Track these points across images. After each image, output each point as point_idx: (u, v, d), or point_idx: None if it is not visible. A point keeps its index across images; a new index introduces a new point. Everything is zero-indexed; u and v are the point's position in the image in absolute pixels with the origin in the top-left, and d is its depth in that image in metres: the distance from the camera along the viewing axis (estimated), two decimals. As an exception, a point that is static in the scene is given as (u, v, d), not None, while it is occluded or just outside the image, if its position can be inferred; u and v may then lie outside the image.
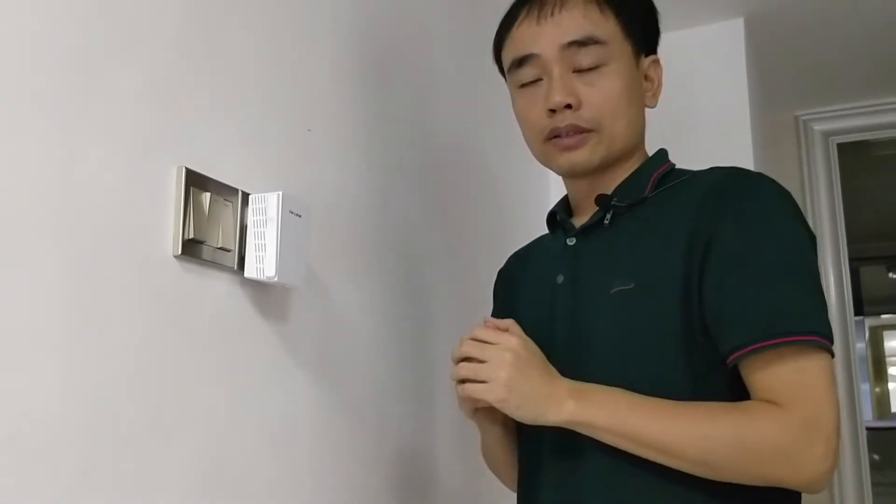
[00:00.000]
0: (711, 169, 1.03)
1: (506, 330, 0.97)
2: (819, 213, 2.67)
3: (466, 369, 0.97)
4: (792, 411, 0.87)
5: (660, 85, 1.09)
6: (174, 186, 0.92)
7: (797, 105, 2.76)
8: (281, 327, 1.08)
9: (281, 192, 0.99)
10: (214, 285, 0.97)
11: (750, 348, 0.89)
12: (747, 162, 2.02)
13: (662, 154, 1.10)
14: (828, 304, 1.07)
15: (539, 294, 1.09)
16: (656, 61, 1.09)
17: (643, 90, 1.07)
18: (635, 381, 0.94)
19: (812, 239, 0.96)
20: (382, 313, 1.33)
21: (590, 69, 1.02)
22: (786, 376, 0.88)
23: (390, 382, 1.34)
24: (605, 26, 1.02)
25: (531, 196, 2.07)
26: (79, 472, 0.78)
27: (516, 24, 1.08)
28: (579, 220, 1.11)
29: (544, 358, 0.97)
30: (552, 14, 1.03)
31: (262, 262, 0.99)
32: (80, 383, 0.79)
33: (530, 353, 0.96)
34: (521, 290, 1.17)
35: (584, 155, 1.04)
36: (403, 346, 1.40)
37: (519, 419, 0.96)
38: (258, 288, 1.03)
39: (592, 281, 1.02)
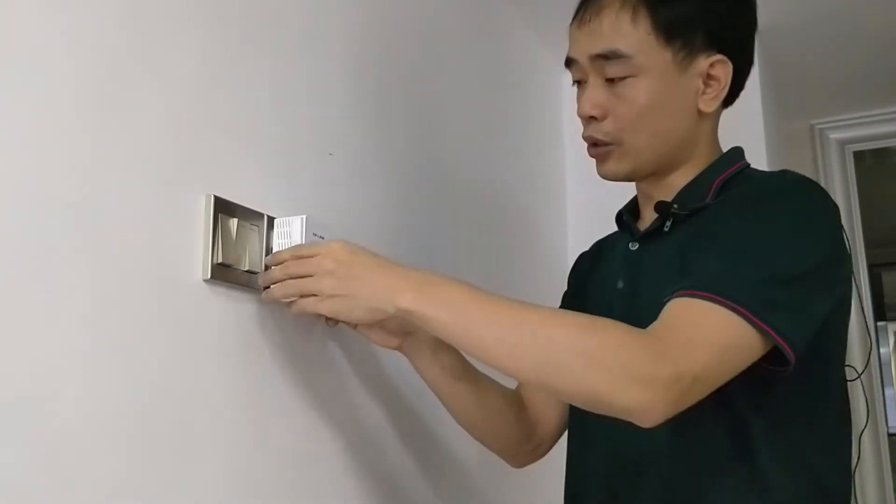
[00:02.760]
0: (766, 172, 1.03)
1: None
2: (837, 220, 2.68)
3: (292, 286, 0.95)
4: (653, 336, 0.85)
5: (726, 85, 1.03)
6: (203, 213, 0.95)
7: (812, 114, 2.76)
8: (305, 348, 1.11)
9: (305, 216, 1.02)
10: (242, 307, 1.00)
11: (673, 295, 0.88)
12: (761, 169, 2.03)
13: (731, 156, 1.08)
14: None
15: (603, 296, 1.10)
16: (722, 61, 1.02)
17: (694, 94, 1.03)
18: None
19: (832, 247, 0.94)
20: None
21: (621, 79, 1.01)
22: (679, 318, 0.86)
23: (413, 402, 1.36)
24: (633, 37, 1.00)
25: (549, 214, 2.08)
26: (109, 492, 0.81)
27: (572, 23, 1.08)
28: (644, 223, 1.11)
29: (375, 254, 0.94)
30: (589, 21, 1.03)
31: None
32: (112, 405, 0.82)
33: (353, 253, 0.93)
34: (589, 287, 1.18)
35: (610, 167, 1.05)
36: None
37: (357, 321, 0.94)
38: (283, 309, 1.06)
39: (648, 289, 1.02)
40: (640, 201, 1.13)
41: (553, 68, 2.08)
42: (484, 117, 1.78)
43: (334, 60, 1.24)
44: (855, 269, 2.68)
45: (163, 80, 0.92)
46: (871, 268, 2.76)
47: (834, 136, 2.78)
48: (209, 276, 0.94)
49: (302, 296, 0.96)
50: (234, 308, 0.99)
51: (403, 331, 1.07)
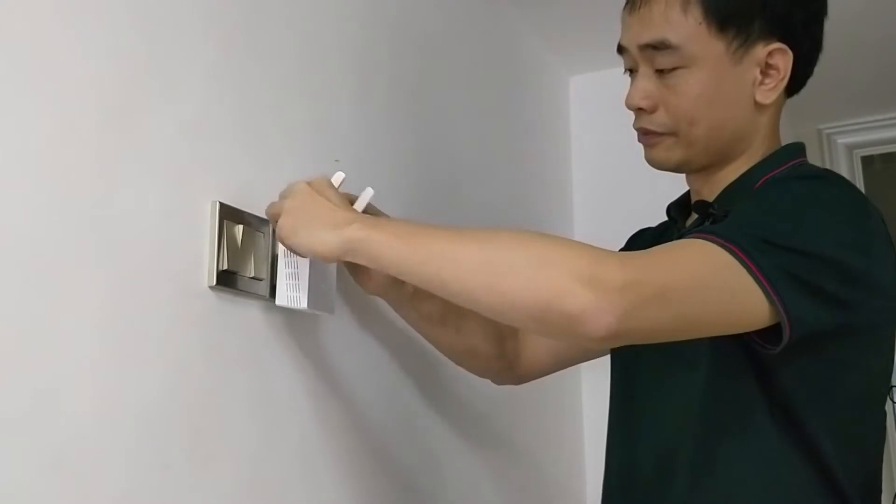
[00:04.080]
0: (810, 170, 1.00)
1: None
2: (845, 225, 2.67)
3: (272, 219, 0.99)
4: (619, 253, 0.83)
5: (786, 75, 0.98)
6: (209, 220, 0.95)
7: (820, 119, 2.75)
8: (311, 354, 1.10)
9: (310, 222, 1.02)
10: (248, 314, 1.00)
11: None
12: (770, 177, 2.03)
13: (783, 152, 1.02)
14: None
15: None
16: (781, 50, 0.97)
17: (751, 85, 0.98)
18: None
19: (867, 236, 0.89)
20: (411, 339, 1.35)
21: (671, 69, 0.97)
22: (662, 247, 0.85)
23: (420, 407, 1.35)
24: (683, 27, 0.95)
25: (555, 219, 2.08)
26: (118, 497, 0.81)
27: (624, 8, 1.03)
28: (690, 221, 1.08)
29: (336, 198, 0.95)
30: (640, 7, 0.99)
31: (294, 290, 1.01)
32: (119, 410, 0.82)
33: (314, 191, 0.94)
34: None
35: (660, 154, 1.01)
36: (432, 371, 1.41)
37: (316, 254, 0.93)
38: (289, 315, 1.06)
39: None
40: (691, 197, 1.09)
41: (560, 73, 2.08)
42: (491, 122, 1.77)
43: (340, 67, 1.24)
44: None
45: (171, 88, 0.92)
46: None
47: (842, 140, 2.77)
48: (214, 283, 0.94)
49: (276, 234, 0.98)
50: (239, 314, 0.99)
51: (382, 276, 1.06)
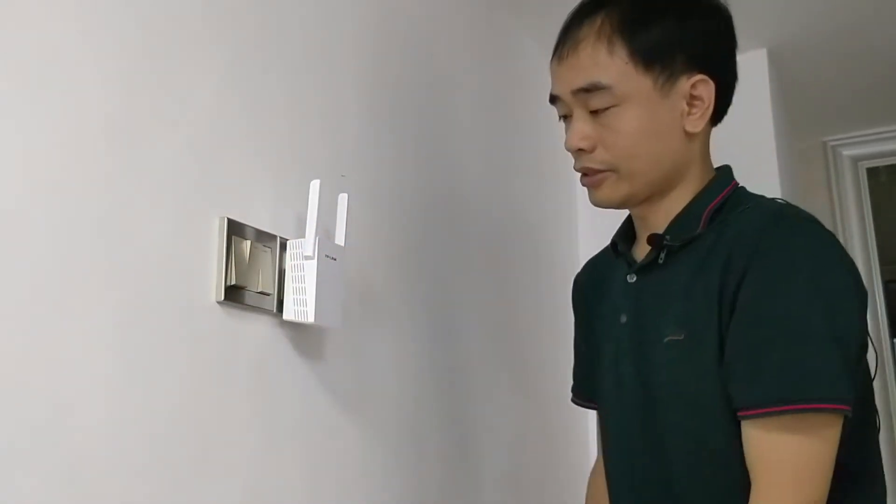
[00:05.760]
0: (758, 206, 1.02)
1: None
2: (850, 237, 2.66)
3: None
4: (765, 490, 0.89)
5: (710, 104, 1.03)
6: (216, 236, 0.96)
7: (825, 131, 2.76)
8: (318, 367, 1.11)
9: (318, 238, 1.03)
10: (255, 328, 1.01)
11: (747, 412, 0.91)
12: (774, 189, 2.03)
13: (720, 180, 1.07)
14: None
15: (610, 329, 1.11)
16: (704, 81, 1.02)
17: (679, 116, 1.02)
18: (693, 428, 0.97)
19: (850, 291, 0.95)
20: (416, 353, 1.36)
21: (605, 109, 1.01)
22: (771, 452, 0.90)
23: (425, 422, 1.35)
24: (612, 68, 1.00)
25: (560, 234, 2.08)
26: (132, 512, 0.82)
27: (552, 60, 1.08)
28: (640, 247, 1.11)
29: None
30: (567, 56, 1.04)
31: (301, 304, 1.02)
32: (128, 425, 0.83)
33: None
34: (595, 322, 1.18)
35: (605, 193, 1.05)
36: (437, 385, 1.41)
37: None
38: (296, 329, 1.06)
39: (649, 325, 1.03)
40: (636, 225, 1.12)
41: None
42: (495, 131, 1.78)
43: (347, 83, 1.25)
44: (870, 286, 2.68)
45: (179, 104, 0.94)
46: (887, 284, 2.75)
47: (847, 152, 2.77)
48: (223, 298, 0.95)
49: None
50: (247, 329, 1.00)
51: None
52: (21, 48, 0.77)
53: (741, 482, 0.93)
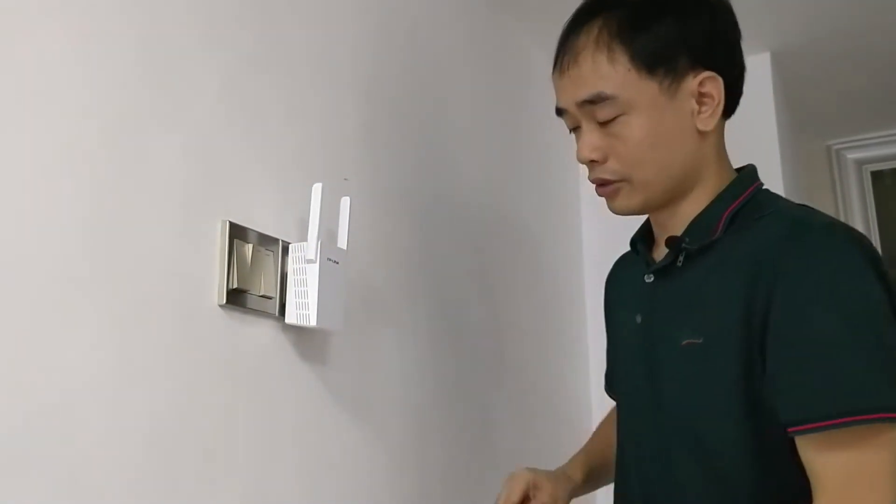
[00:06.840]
0: (781, 212, 1.00)
1: None
2: (855, 240, 2.67)
3: None
4: None
5: (720, 100, 1.00)
6: (219, 239, 0.96)
7: (829, 134, 2.76)
8: (320, 370, 1.11)
9: (320, 241, 1.02)
10: (257, 332, 1.01)
11: (802, 427, 0.88)
12: (778, 191, 2.03)
13: (741, 181, 1.04)
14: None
15: (626, 328, 1.10)
16: (711, 77, 0.99)
17: (690, 116, 1.00)
18: (703, 434, 0.96)
19: (886, 295, 0.92)
20: (419, 356, 1.36)
21: (612, 119, 0.99)
22: (834, 469, 0.88)
23: (428, 426, 1.35)
24: (615, 77, 0.98)
25: (564, 243, 2.08)
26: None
27: (553, 71, 1.06)
28: (658, 249, 1.10)
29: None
30: (568, 68, 1.02)
31: (303, 308, 1.02)
32: (129, 428, 0.83)
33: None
34: (614, 317, 1.19)
35: (621, 202, 1.04)
36: (440, 388, 1.41)
37: None
38: (298, 333, 1.06)
39: (665, 328, 1.02)
40: (654, 229, 1.11)
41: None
42: (498, 145, 1.78)
43: (349, 87, 1.25)
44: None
45: (181, 108, 0.94)
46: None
47: (851, 156, 2.76)
48: (224, 302, 0.95)
49: None
50: (249, 332, 0.99)
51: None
52: (23, 53, 0.77)
53: (748, 490, 0.92)
